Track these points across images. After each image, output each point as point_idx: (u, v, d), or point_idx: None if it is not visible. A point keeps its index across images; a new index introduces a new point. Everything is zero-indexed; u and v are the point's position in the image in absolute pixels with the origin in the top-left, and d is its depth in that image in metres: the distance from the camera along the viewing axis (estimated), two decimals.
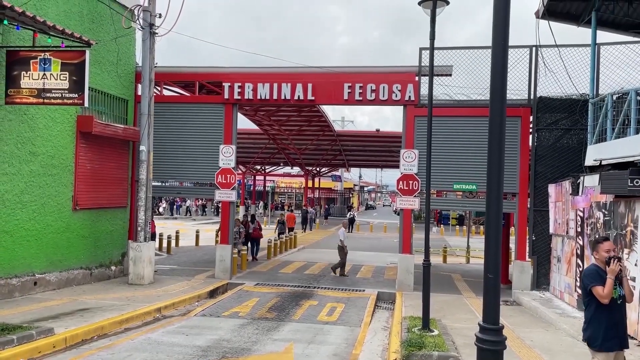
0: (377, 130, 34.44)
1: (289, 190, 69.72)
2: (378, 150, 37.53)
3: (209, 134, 14.87)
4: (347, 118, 65.72)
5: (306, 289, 13.81)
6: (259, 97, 14.54)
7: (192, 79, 15.17)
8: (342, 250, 16.59)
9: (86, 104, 9.96)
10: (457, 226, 39.91)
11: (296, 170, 50.83)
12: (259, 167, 51.44)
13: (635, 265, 8.57)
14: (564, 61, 13.20)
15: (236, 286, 13.96)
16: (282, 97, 14.46)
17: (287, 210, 42.79)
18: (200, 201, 52.16)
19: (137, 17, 13.23)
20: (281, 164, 49.50)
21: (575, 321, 9.87)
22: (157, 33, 13.26)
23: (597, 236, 5.65)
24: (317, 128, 34.17)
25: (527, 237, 13.68)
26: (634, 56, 12.25)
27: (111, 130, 13.22)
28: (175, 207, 46.98)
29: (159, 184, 16.20)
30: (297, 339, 8.83)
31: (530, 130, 13.82)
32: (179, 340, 8.41)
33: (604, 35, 14.61)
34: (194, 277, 14.73)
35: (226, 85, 14.65)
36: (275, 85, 14.48)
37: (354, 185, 76.18)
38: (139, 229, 13.09)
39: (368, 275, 16.79)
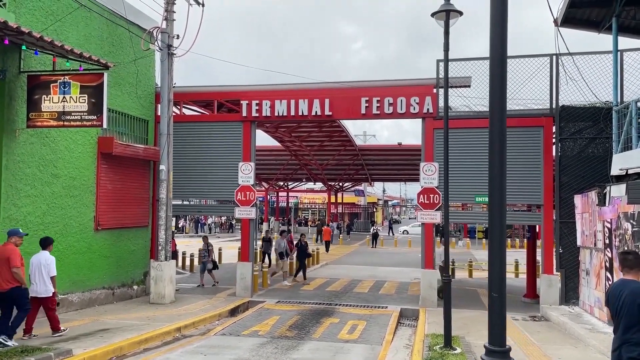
0: (399, 144, 34.26)
1: (313, 206, 69.69)
2: (400, 163, 37.27)
3: (228, 152, 14.94)
4: (369, 132, 65.45)
5: (327, 307, 13.63)
6: (276, 114, 14.58)
7: (211, 97, 15.33)
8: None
9: (104, 126, 10.09)
10: (484, 239, 39.12)
11: (319, 185, 50.76)
12: (281, 183, 51.64)
13: None
14: (586, 69, 12.92)
15: (257, 304, 13.87)
16: (300, 114, 14.47)
17: (311, 226, 42.76)
18: (226, 219, 52.53)
19: (155, 39, 13.46)
20: (304, 180, 49.58)
21: (606, 337, 9.47)
22: (175, 54, 13.44)
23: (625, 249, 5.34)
24: (339, 143, 34.15)
25: (554, 250, 13.30)
26: None
27: (131, 150, 13.38)
28: (199, 224, 47.33)
29: (180, 202, 16.32)
30: (316, 359, 8.67)
31: (554, 140, 13.50)
32: None
33: (626, 42, 14.27)
34: (215, 295, 14.71)
35: (244, 103, 14.74)
36: (293, 102, 14.50)
37: (378, 199, 75.78)
38: (160, 247, 13.15)
39: (391, 291, 16.51)
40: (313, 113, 14.41)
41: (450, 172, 13.88)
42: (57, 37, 10.64)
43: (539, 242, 15.35)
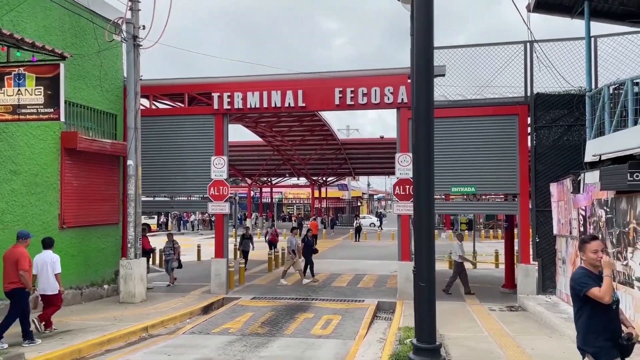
0: (382, 137, 34.04)
1: (297, 201, 69.37)
2: (384, 157, 37.10)
3: (201, 146, 14.58)
4: (352, 127, 65.15)
5: (304, 302, 13.37)
6: (249, 106, 14.25)
7: (181, 90, 14.93)
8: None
9: (62, 119, 9.67)
10: (466, 231, 39.12)
11: (303, 180, 50.46)
12: (265, 178, 51.22)
13: None
14: (560, 56, 12.78)
15: (232, 301, 13.56)
16: (273, 105, 14.14)
17: (295, 222, 42.49)
18: (208, 215, 52.00)
19: (120, 30, 13.02)
20: (287, 175, 49.25)
21: None
22: (141, 45, 13.02)
23: (583, 236, 5.15)
24: (320, 137, 33.89)
25: (531, 239, 13.18)
26: (632, 47, 11.78)
27: (98, 145, 12.97)
28: (182, 222, 46.78)
29: (151, 199, 15.93)
30: (284, 356, 8.40)
31: (529, 128, 13.35)
32: None
33: (601, 27, 14.16)
34: (190, 293, 14.36)
35: (215, 95, 14.37)
36: (265, 94, 14.17)
37: (363, 193, 75.60)
38: (129, 245, 12.77)
39: (370, 284, 16.29)
40: (286, 105, 14.10)
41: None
42: (13, 29, 10.21)
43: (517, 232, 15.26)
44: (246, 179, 48.09)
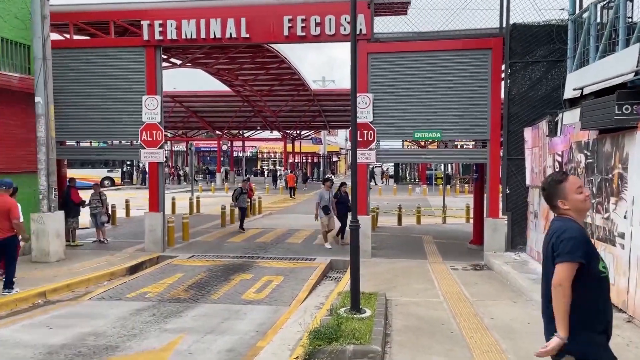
0: None
1: (273, 156, 67.58)
2: None
3: (130, 84, 12.68)
4: (328, 78, 62.70)
5: (248, 260, 11.91)
6: (184, 37, 12.29)
7: (106, 17, 12.83)
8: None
9: None
10: (441, 186, 38.00)
11: (277, 134, 48.46)
12: (236, 131, 49.14)
13: (625, 217, 6.64)
14: None
15: (166, 259, 12.05)
16: (212, 36, 12.21)
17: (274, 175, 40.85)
18: (174, 169, 50.01)
19: None
20: (259, 128, 47.18)
21: None
22: None
23: (553, 175, 3.26)
24: (291, 87, 31.89)
25: (501, 191, 11.79)
26: None
27: (1, 80, 10.99)
28: (147, 176, 44.70)
29: (73, 144, 14.08)
30: (194, 328, 6.91)
31: (504, 65, 11.72)
32: (32, 338, 6.44)
33: None
34: (122, 251, 12.78)
35: (145, 24, 12.37)
36: (203, 22, 12.21)
37: (340, 149, 73.96)
38: (41, 197, 11.05)
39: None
40: (227, 35, 12.18)
41: (384, 105, 12.12)
42: None
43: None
44: (216, 131, 45.96)
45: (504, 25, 11.43)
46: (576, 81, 8.40)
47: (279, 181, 41.92)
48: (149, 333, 6.67)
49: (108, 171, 39.85)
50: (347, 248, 13.00)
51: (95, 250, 12.84)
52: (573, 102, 8.73)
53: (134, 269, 11.18)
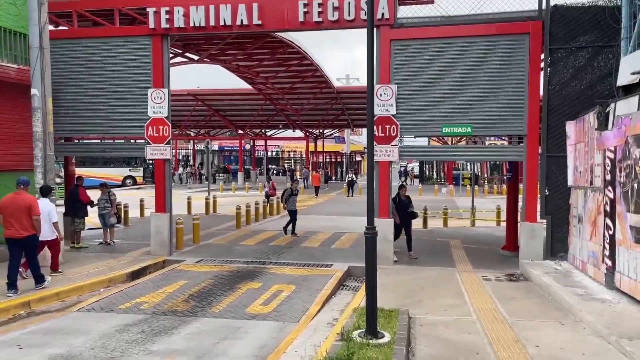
0: None
1: (296, 155, 66.69)
2: None
3: (136, 76, 11.87)
4: (352, 76, 61.43)
5: (258, 266, 10.96)
6: (192, 25, 11.41)
7: (111, 5, 12.04)
8: None
9: None
10: (469, 186, 36.53)
11: (300, 133, 47.52)
12: (258, 130, 48.41)
13: None
14: None
15: (173, 264, 11.19)
16: (222, 23, 11.30)
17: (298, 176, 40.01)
18: (197, 169, 49.53)
19: None
20: (280, 126, 46.34)
21: (604, 307, 6.85)
22: None
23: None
24: (313, 84, 30.95)
25: (539, 192, 10.57)
26: None
27: None
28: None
29: (77, 140, 13.37)
30: (184, 351, 5.96)
31: (543, 52, 10.51)
32: None
33: None
34: (127, 254, 11.98)
35: (151, 10, 11.53)
36: (212, 8, 11.31)
37: (364, 148, 72.73)
38: (37, 195, 10.25)
39: (347, 245, 13.88)
40: (238, 22, 11.24)
41: (409, 97, 11.02)
42: None
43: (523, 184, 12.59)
44: (238, 130, 45.30)
45: (544, 7, 10.23)
46: (632, 65, 7.19)
47: (300, 180, 41.04)
48: (131, 356, 5.75)
49: (130, 170, 39.49)
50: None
51: (99, 253, 12.07)
52: (628, 90, 7.52)
53: (135, 275, 10.35)
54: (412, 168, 53.32)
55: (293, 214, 15.32)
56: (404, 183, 11.72)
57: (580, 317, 6.69)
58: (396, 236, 11.73)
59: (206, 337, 6.49)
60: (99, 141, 20.88)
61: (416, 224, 17.47)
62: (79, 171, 16.67)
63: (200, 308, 7.86)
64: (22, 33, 11.35)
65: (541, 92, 10.44)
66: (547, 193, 10.29)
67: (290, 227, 15.28)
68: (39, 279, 8.67)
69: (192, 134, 49.74)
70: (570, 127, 9.92)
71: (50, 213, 9.37)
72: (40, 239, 8.98)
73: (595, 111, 8.44)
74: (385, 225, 10.79)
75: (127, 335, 6.50)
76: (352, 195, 32.62)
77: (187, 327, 6.88)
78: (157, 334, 6.57)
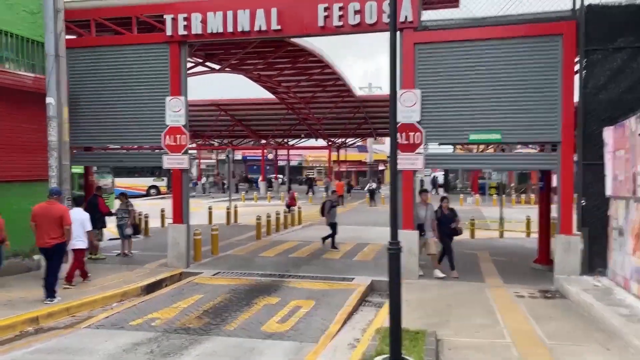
0: None
1: (319, 165, 66.34)
2: None
3: (153, 84, 11.64)
4: (375, 85, 60.92)
5: (277, 279, 10.53)
6: (209, 31, 11.14)
7: (128, 13, 11.85)
8: None
9: None
10: (495, 195, 35.57)
11: (322, 142, 47.13)
12: (280, 140, 48.23)
13: None
14: None
15: (189, 277, 10.87)
16: (240, 29, 10.99)
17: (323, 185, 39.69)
18: (219, 178, 49.50)
19: None
20: (303, 136, 46.07)
21: None
22: None
23: None
24: (335, 93, 30.60)
25: (575, 202, 9.92)
26: None
27: (11, 79, 10.17)
28: (192, 184, 44.47)
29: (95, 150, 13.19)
30: None
31: (578, 54, 9.91)
32: None
33: None
34: (144, 266, 11.70)
35: (169, 17, 11.31)
36: (230, 14, 11.03)
37: (387, 157, 72.00)
38: (69, 204, 10.05)
39: (369, 257, 13.37)
40: (256, 28, 10.92)
41: (434, 103, 10.50)
42: None
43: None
44: (261, 140, 45.19)
45: (578, 6, 9.65)
46: None
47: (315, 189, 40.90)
48: None
49: (154, 180, 39.63)
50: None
51: (116, 265, 11.81)
52: None
53: (150, 288, 10.01)
54: (436, 177, 52.43)
55: (334, 226, 14.58)
56: (446, 195, 10.79)
57: (628, 341, 6.06)
58: (442, 258, 11.07)
59: (217, 359, 6.06)
60: (123, 151, 20.82)
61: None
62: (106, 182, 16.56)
63: (214, 325, 7.45)
64: (39, 41, 11.23)
65: (576, 97, 9.85)
66: (584, 203, 9.63)
67: (330, 240, 14.61)
68: (50, 293, 8.44)
69: (216, 144, 49.83)
70: (608, 133, 9.28)
71: (83, 222, 9.55)
72: (70, 247, 9.18)
73: (638, 115, 7.82)
74: (409, 238, 10.27)
75: (134, 356, 6.13)
76: (375, 205, 32.07)
77: (198, 347, 6.47)
78: (166, 354, 6.18)
